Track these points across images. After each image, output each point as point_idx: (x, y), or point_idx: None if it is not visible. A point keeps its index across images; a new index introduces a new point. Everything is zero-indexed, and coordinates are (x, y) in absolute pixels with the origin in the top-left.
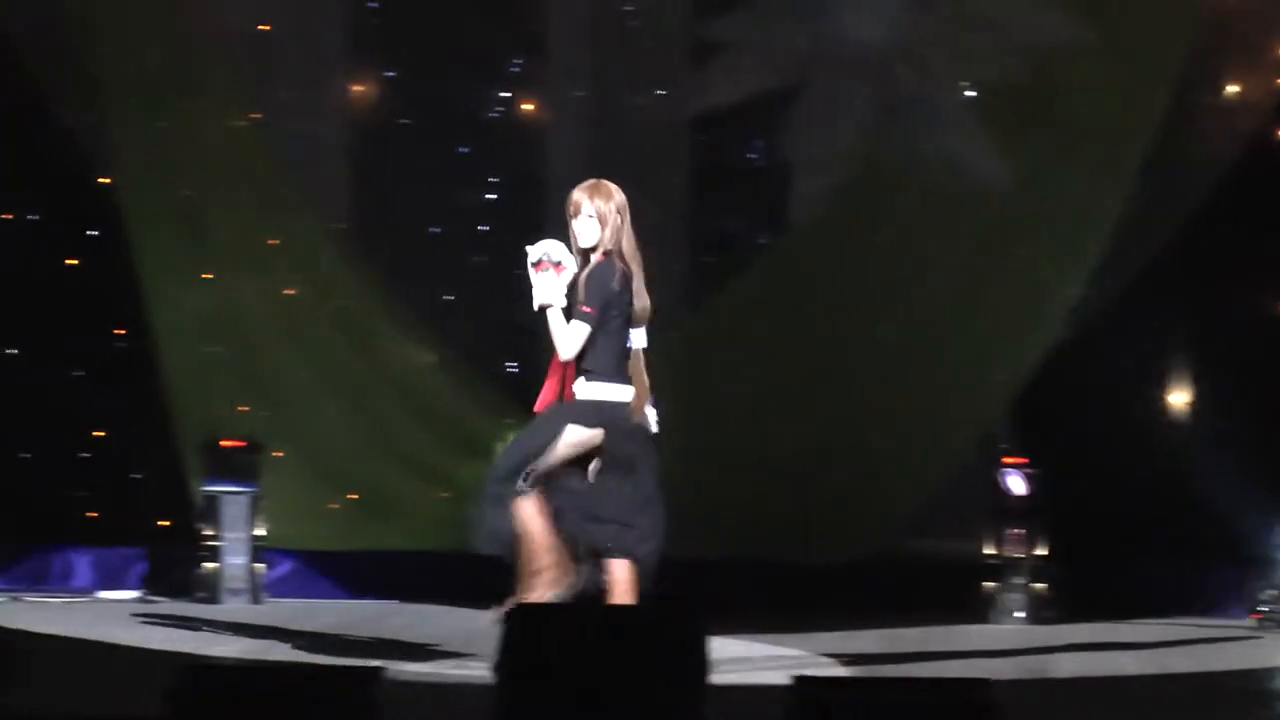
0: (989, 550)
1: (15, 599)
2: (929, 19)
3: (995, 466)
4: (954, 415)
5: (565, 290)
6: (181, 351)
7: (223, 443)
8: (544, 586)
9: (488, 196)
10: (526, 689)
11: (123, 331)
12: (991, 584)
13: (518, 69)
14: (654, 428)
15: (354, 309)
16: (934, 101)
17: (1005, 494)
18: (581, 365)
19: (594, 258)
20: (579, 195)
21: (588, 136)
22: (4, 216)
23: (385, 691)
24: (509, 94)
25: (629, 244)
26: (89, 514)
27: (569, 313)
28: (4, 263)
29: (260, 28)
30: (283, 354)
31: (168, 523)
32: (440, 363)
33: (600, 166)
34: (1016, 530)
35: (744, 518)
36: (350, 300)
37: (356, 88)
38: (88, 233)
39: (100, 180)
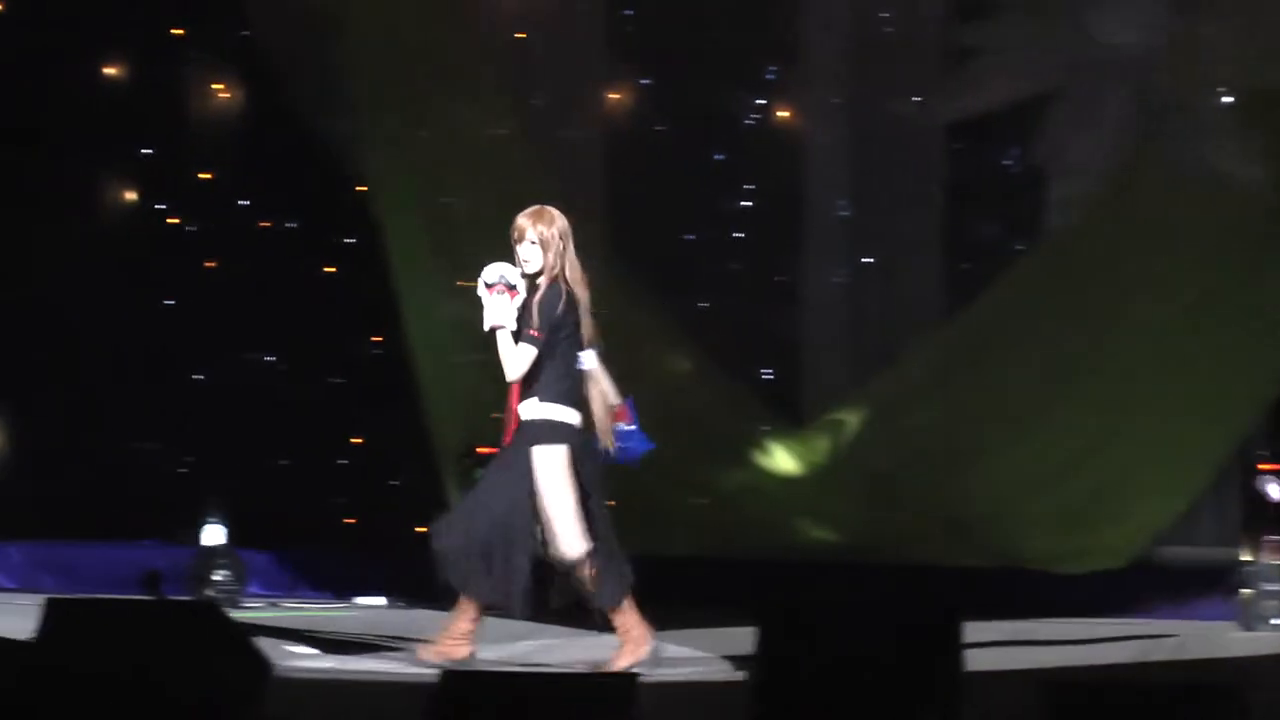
0: (1246, 556)
1: (273, 604)
2: (1186, 23)
3: (1252, 473)
4: (1210, 421)
5: (516, 313)
6: (438, 358)
7: (479, 449)
8: (637, 646)
9: (743, 203)
10: (782, 691)
11: (379, 339)
12: (1248, 590)
13: (773, 76)
14: (611, 449)
15: (609, 316)
16: (1191, 107)
17: (1263, 500)
18: (531, 388)
19: (540, 282)
20: (522, 221)
21: (843, 143)
22: (263, 224)
23: (642, 695)
24: (764, 101)
25: (573, 269)
26: (347, 520)
27: (518, 336)
28: (262, 270)
29: (517, 36)
30: None
31: (424, 529)
32: (696, 369)
33: (855, 173)
34: (1274, 537)
35: (998, 524)
36: (605, 307)
37: (612, 95)
38: (345, 240)
39: (358, 188)
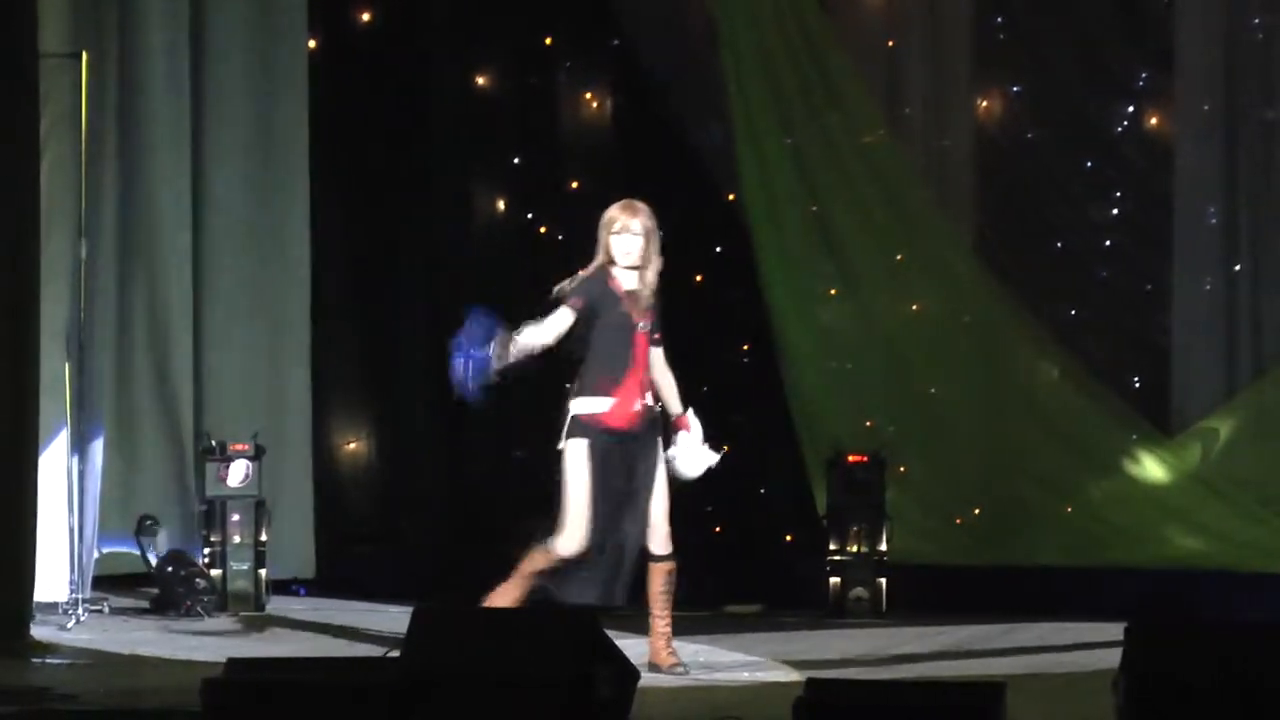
0: None
1: None
2: None
3: None
4: None
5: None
6: (807, 366)
7: (850, 457)
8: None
9: (1113, 211)
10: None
11: (747, 347)
12: None
13: (1144, 83)
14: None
15: (982, 323)
16: None
17: None
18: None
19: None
20: (624, 215)
21: (1214, 149)
22: None
23: (1008, 705)
24: (1134, 107)
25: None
26: (716, 528)
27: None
28: None
29: (888, 44)
30: (909, 369)
31: (790, 537)
32: (1066, 377)
33: (1226, 180)
34: None
35: None
36: (978, 314)
37: (982, 102)
38: (715, 249)
39: (728, 197)
